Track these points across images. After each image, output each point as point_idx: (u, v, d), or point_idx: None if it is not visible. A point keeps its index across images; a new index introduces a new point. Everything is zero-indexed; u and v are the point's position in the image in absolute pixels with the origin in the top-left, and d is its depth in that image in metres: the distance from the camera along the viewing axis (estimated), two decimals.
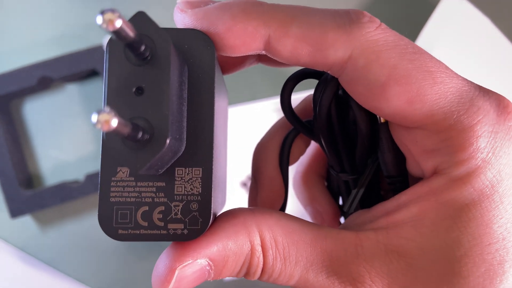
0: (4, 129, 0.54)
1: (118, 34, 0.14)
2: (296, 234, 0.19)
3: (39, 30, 0.58)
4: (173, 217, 0.17)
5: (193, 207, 0.18)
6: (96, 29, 0.57)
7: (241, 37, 0.18)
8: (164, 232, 0.17)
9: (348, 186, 0.25)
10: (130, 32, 0.14)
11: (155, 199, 0.17)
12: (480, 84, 0.19)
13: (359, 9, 0.63)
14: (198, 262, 0.18)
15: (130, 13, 0.16)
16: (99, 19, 0.13)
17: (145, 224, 0.17)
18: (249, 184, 0.55)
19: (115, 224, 0.17)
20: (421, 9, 0.58)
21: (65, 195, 0.53)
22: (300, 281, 0.19)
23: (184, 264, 0.18)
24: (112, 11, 0.13)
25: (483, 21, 0.54)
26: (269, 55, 0.19)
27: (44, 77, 0.54)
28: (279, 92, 0.24)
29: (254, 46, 0.18)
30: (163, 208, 0.17)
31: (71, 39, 0.57)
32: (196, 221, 0.18)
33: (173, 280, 0.18)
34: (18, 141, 0.56)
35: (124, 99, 0.16)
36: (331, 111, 0.22)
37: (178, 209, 0.17)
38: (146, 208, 0.17)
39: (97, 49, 0.55)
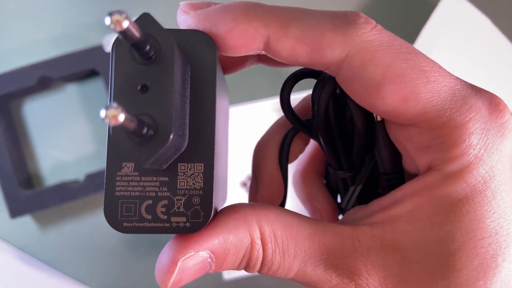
0: (4, 129, 0.54)
1: (124, 34, 0.15)
2: (295, 228, 0.20)
3: (39, 30, 0.58)
4: (176, 210, 0.18)
5: (195, 201, 0.18)
6: (95, 29, 0.58)
7: (241, 38, 0.19)
8: (167, 225, 0.18)
9: (346, 183, 0.26)
10: (136, 33, 0.15)
11: (159, 193, 0.18)
12: (480, 84, 0.20)
13: (359, 8, 0.63)
14: (200, 254, 0.18)
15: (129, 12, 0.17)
16: (107, 20, 0.14)
17: (149, 217, 0.18)
18: (249, 183, 0.56)
19: (120, 217, 0.18)
20: (421, 9, 0.59)
21: (64, 195, 0.53)
22: (298, 274, 0.20)
23: (186, 256, 0.18)
24: (120, 12, 0.14)
25: (483, 21, 0.54)
26: (268, 55, 0.20)
27: (44, 77, 0.54)
28: (279, 92, 0.24)
29: (254, 47, 0.19)
30: (166, 202, 0.18)
31: (71, 39, 0.58)
32: (198, 214, 0.18)
33: (176, 272, 0.18)
34: (18, 141, 0.57)
35: (130, 96, 0.17)
36: (329, 109, 0.23)
37: (181, 203, 0.18)
38: (150, 202, 0.18)
39: (97, 49, 0.55)
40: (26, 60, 0.55)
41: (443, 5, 0.54)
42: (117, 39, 0.17)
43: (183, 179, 0.18)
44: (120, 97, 0.17)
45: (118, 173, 0.18)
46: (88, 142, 0.57)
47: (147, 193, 0.18)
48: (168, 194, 0.18)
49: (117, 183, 0.18)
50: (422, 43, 0.54)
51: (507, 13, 0.60)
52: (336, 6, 0.59)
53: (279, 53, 0.19)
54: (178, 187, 0.18)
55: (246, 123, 0.55)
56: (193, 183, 0.18)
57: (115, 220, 0.18)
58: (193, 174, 0.18)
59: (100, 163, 0.56)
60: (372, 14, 0.59)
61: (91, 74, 0.57)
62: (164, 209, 0.18)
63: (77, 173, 0.56)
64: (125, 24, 0.14)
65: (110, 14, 0.14)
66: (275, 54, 0.19)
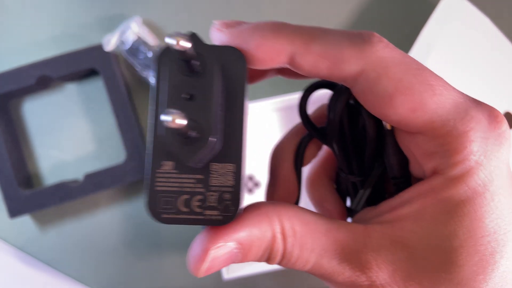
0: (3, 128, 0.55)
1: (182, 51, 0.19)
2: (312, 225, 0.23)
3: (38, 29, 0.59)
4: (209, 205, 0.21)
5: (226, 197, 0.21)
6: (95, 29, 0.59)
7: (269, 53, 0.22)
8: (201, 217, 0.21)
9: (356, 187, 0.28)
10: (190, 50, 0.19)
11: (194, 189, 0.21)
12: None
13: (360, 8, 0.65)
14: (228, 244, 0.21)
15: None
16: (171, 40, 0.18)
17: (186, 210, 0.21)
18: (249, 185, 0.58)
19: (159, 209, 0.21)
20: (421, 9, 0.61)
21: (64, 195, 0.55)
22: (315, 266, 0.22)
23: (217, 246, 0.21)
24: (180, 34, 0.18)
25: (483, 21, 0.56)
26: (292, 69, 0.23)
27: (43, 77, 0.55)
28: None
29: (280, 61, 0.22)
30: (201, 197, 0.21)
31: (70, 38, 0.59)
32: (228, 208, 0.21)
33: (207, 260, 0.21)
34: (17, 140, 0.57)
35: (179, 103, 0.20)
36: (343, 118, 0.26)
37: (214, 198, 0.21)
38: (187, 196, 0.21)
39: (96, 49, 0.56)
40: (25, 59, 0.56)
41: (443, 5, 0.55)
42: (163, 52, 0.21)
43: (215, 177, 0.21)
44: (173, 104, 0.20)
45: (158, 171, 0.21)
46: (87, 142, 0.58)
47: (184, 188, 0.21)
48: (203, 190, 0.21)
49: (158, 179, 0.21)
50: (423, 42, 0.55)
51: (507, 13, 0.62)
52: (336, 6, 0.61)
53: (302, 67, 0.22)
54: (211, 184, 0.21)
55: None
56: (224, 181, 0.21)
57: (155, 212, 0.21)
58: (224, 173, 0.21)
59: (99, 163, 0.58)
60: (372, 14, 0.61)
61: (91, 73, 0.58)
62: (199, 203, 0.21)
63: (77, 173, 0.57)
64: (186, 44, 0.18)
65: (173, 36, 0.18)
66: (299, 68, 0.22)
